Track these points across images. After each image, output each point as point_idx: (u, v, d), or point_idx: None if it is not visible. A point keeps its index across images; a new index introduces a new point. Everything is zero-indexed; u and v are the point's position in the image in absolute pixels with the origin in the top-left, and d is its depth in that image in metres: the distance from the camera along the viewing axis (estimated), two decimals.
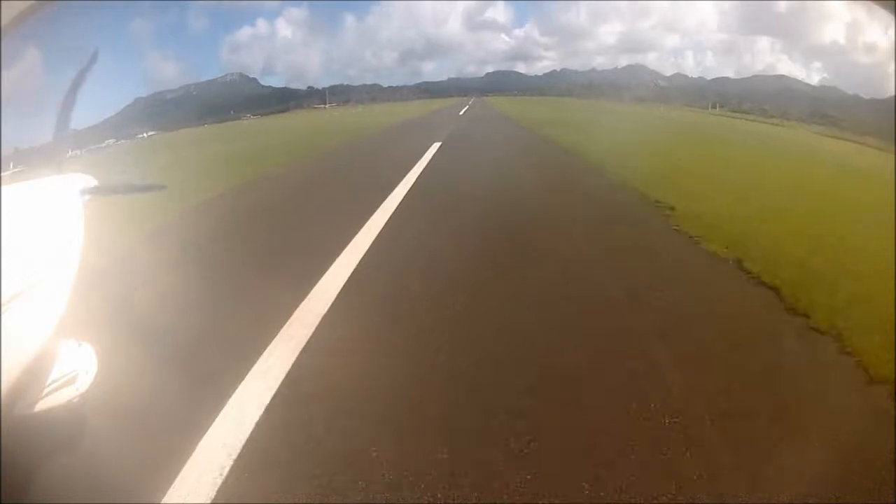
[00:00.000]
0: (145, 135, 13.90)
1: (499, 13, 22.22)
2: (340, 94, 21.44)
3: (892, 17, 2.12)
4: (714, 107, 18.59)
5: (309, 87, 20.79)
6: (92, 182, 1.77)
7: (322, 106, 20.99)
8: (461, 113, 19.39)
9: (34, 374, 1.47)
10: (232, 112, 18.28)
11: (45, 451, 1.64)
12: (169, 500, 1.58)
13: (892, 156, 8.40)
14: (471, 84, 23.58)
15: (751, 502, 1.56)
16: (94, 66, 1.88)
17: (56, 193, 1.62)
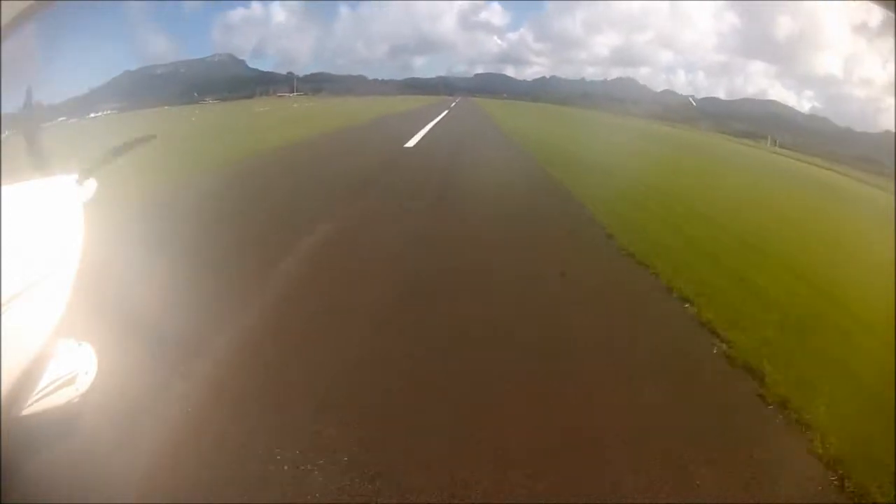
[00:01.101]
0: (94, 115, 11.98)
1: (494, 15, 21.83)
2: (321, 83, 20.71)
3: (893, 17, 2.12)
4: (772, 142, 15.33)
5: (289, 73, 20.13)
6: (92, 182, 1.77)
7: (288, 94, 19.10)
8: (423, 131, 11.89)
9: (34, 375, 1.47)
10: (196, 94, 17.38)
11: (46, 452, 1.64)
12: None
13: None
14: (459, 83, 22.78)
15: None
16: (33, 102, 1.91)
17: (56, 193, 1.62)
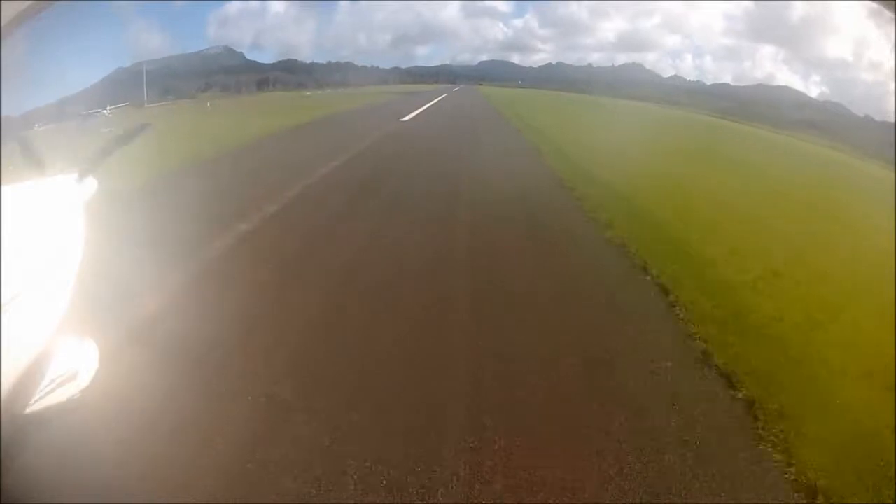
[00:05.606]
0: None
1: (498, 1, 21.46)
2: (295, 73, 19.30)
3: (893, 16, 2.11)
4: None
5: (249, 62, 17.24)
6: (93, 183, 1.77)
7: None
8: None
9: (36, 373, 1.47)
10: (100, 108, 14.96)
11: (46, 450, 1.65)
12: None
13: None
14: (462, 71, 22.32)
15: None
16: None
17: (56, 193, 1.62)
